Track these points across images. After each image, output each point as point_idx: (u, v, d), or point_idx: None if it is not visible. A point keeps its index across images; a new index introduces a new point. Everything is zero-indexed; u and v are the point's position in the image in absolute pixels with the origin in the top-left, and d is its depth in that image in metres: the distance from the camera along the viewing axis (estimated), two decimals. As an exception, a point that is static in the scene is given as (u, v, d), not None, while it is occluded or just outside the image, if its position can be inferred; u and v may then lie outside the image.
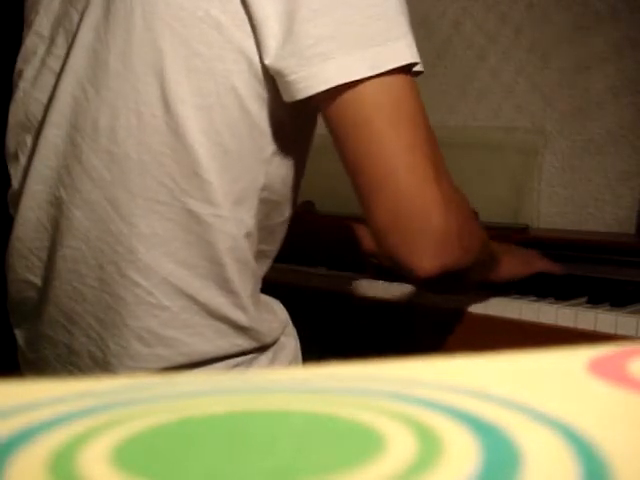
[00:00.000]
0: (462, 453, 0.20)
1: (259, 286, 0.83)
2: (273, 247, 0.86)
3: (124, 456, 0.20)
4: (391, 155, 0.72)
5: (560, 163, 1.49)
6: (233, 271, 0.77)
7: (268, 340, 0.83)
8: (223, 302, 0.78)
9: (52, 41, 0.83)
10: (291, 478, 0.19)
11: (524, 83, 1.54)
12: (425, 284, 0.80)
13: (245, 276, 0.79)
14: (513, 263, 1.01)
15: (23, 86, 0.85)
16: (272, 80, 0.74)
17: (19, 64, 0.87)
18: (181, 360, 0.78)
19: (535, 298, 1.00)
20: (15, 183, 0.85)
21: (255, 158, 0.77)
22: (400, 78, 0.73)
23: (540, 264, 1.08)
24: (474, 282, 0.95)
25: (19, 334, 0.88)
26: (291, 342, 0.87)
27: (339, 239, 1.19)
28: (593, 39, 1.47)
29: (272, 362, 0.84)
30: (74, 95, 0.78)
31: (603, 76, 1.45)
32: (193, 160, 0.74)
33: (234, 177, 0.76)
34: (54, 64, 0.82)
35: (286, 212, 0.84)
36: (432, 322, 1.05)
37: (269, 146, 0.78)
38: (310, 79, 0.71)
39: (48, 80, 0.82)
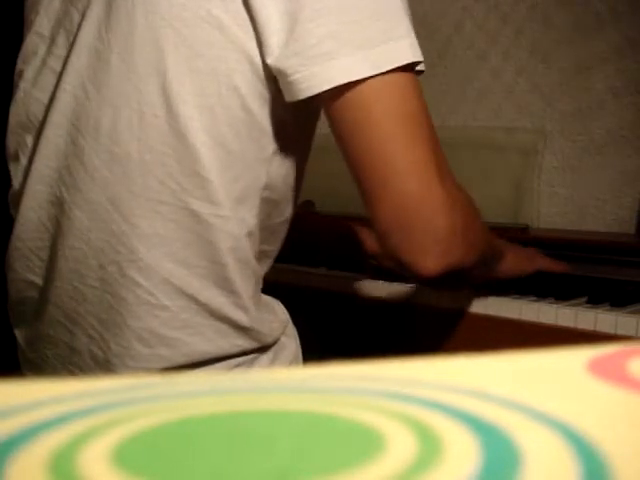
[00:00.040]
0: (462, 453, 0.20)
1: (260, 286, 0.83)
2: (274, 247, 0.86)
3: (124, 456, 0.20)
4: (394, 154, 0.72)
5: (560, 163, 1.49)
6: (234, 271, 0.77)
7: (269, 340, 0.83)
8: (224, 302, 0.78)
9: (53, 41, 0.83)
10: (291, 478, 0.19)
11: (524, 83, 1.54)
12: (428, 281, 0.80)
13: (246, 276, 0.79)
14: (517, 260, 1.01)
15: (24, 86, 0.85)
16: (274, 80, 0.74)
17: (19, 64, 0.87)
18: (182, 360, 0.78)
19: (535, 298, 1.00)
20: (16, 183, 0.85)
21: (256, 157, 0.77)
22: (403, 77, 0.73)
23: (542, 261, 1.08)
24: (478, 279, 0.95)
25: (19, 334, 0.88)
26: (292, 342, 0.87)
27: (339, 239, 1.19)
28: (593, 40, 1.47)
29: (273, 362, 0.84)
30: (75, 95, 0.78)
31: (603, 76, 1.45)
32: (195, 160, 0.74)
33: (235, 176, 0.76)
34: (55, 64, 0.82)
35: (287, 212, 0.84)
36: (432, 322, 1.05)
37: (270, 145, 0.78)
38: (313, 79, 0.71)
39: (49, 80, 0.82)
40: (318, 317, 1.13)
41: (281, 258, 0.88)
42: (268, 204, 0.80)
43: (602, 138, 1.44)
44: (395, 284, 1.07)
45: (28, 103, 0.84)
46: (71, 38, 0.80)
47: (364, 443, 0.21)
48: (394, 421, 0.23)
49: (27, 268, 0.84)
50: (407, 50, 0.73)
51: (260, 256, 0.82)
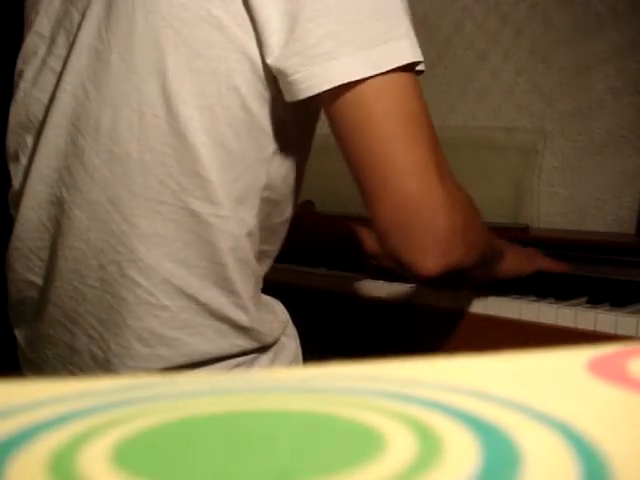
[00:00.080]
0: (462, 453, 0.20)
1: (260, 286, 0.83)
2: (274, 247, 0.86)
3: (124, 456, 0.20)
4: (394, 154, 0.72)
5: (560, 163, 1.49)
6: (234, 271, 0.77)
7: (269, 340, 0.83)
8: (224, 302, 0.78)
9: (53, 41, 0.83)
10: (291, 478, 0.19)
11: (524, 83, 1.54)
12: (428, 281, 0.80)
13: (246, 276, 0.79)
14: (517, 260, 1.01)
15: (24, 86, 0.85)
16: (274, 80, 0.74)
17: (19, 64, 0.87)
18: (182, 360, 0.78)
19: (535, 298, 1.00)
20: (16, 183, 0.85)
21: (256, 157, 0.77)
22: (403, 77, 0.73)
23: (542, 261, 1.08)
24: (478, 279, 0.95)
25: (19, 334, 0.88)
26: (292, 342, 0.87)
27: (339, 239, 1.19)
28: (593, 40, 1.47)
29: (273, 362, 0.84)
30: (75, 95, 0.78)
31: (603, 76, 1.45)
32: (195, 160, 0.74)
33: (235, 176, 0.76)
34: (55, 64, 0.82)
35: (287, 212, 0.84)
36: (432, 322, 1.05)
37: (270, 145, 0.78)
38: (313, 79, 0.71)
39: (49, 80, 0.82)
40: (318, 317, 1.13)
41: (281, 258, 0.88)
42: (268, 204, 0.80)
43: (602, 138, 1.44)
44: (395, 284, 1.07)
45: (28, 103, 0.84)
46: (71, 38, 0.80)
47: (364, 443, 0.21)
48: (394, 421, 0.23)
49: (27, 268, 0.84)
50: (407, 50, 0.73)
51: (260, 256, 0.82)
